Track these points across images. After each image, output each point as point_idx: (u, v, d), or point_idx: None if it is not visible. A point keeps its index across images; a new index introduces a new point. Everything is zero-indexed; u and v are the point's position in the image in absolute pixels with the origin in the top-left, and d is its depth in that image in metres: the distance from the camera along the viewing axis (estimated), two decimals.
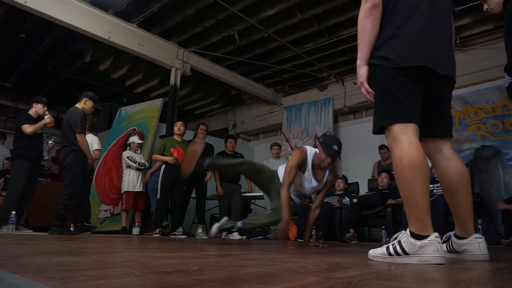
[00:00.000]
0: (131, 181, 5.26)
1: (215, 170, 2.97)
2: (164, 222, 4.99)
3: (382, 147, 5.41)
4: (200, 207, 5.25)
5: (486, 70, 5.44)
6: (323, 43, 5.92)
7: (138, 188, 5.29)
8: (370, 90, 1.54)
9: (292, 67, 6.79)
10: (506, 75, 2.03)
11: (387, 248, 1.42)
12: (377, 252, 1.47)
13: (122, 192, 5.30)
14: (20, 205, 4.21)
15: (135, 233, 4.79)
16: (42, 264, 0.97)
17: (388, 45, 1.48)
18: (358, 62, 1.56)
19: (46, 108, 4.48)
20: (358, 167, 6.31)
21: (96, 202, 5.97)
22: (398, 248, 1.37)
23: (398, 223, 4.33)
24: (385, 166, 5.29)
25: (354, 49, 5.62)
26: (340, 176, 5.36)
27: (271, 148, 6.03)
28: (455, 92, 6.28)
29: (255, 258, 1.46)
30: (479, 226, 3.17)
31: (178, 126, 5.09)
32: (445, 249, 1.63)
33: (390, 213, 4.43)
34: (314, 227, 4.14)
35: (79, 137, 3.92)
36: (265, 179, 3.11)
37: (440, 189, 3.61)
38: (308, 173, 2.90)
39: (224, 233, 2.98)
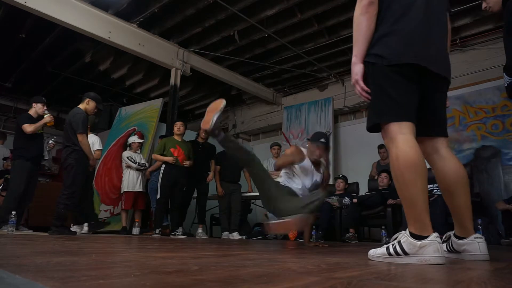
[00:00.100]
0: (130, 181, 5.27)
1: (227, 146, 2.82)
2: (164, 222, 5.00)
3: (381, 146, 5.40)
4: (200, 207, 5.26)
5: (486, 70, 5.44)
6: (323, 43, 5.92)
7: (138, 188, 5.29)
8: (365, 88, 1.51)
9: (292, 67, 6.79)
10: (505, 75, 2.03)
11: (387, 248, 1.42)
12: (377, 252, 1.47)
13: (122, 192, 5.30)
14: (20, 205, 4.21)
15: (135, 233, 4.79)
16: (42, 264, 0.97)
17: (382, 42, 1.47)
18: (353, 59, 1.54)
19: (45, 108, 4.49)
20: (358, 167, 6.31)
21: (96, 202, 5.97)
22: (398, 248, 1.37)
23: (398, 223, 4.33)
24: (384, 166, 5.28)
25: None
26: (340, 176, 5.37)
27: (271, 148, 6.05)
28: (455, 92, 6.21)
29: (255, 258, 1.46)
30: (479, 226, 3.16)
31: (178, 126, 5.10)
32: (445, 249, 1.62)
33: (390, 213, 4.43)
34: (314, 227, 4.15)
35: (80, 137, 3.94)
36: (267, 184, 3.04)
37: (439, 189, 3.60)
38: (309, 163, 2.98)
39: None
